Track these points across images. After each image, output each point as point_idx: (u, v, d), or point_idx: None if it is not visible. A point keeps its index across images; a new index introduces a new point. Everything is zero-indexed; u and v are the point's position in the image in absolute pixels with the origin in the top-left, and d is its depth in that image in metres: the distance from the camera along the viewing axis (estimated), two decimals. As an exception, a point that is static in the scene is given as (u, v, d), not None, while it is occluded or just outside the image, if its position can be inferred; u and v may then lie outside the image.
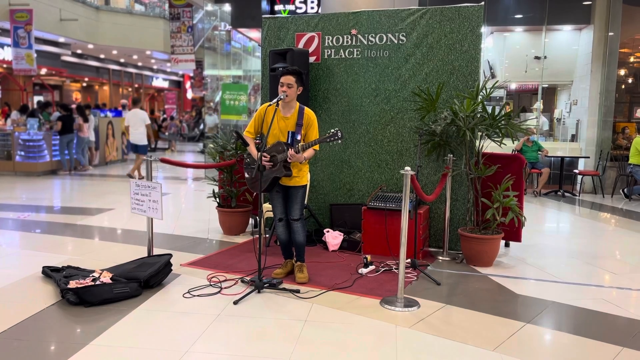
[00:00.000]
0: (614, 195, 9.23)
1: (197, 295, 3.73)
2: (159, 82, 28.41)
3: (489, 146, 4.94)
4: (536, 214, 7.36)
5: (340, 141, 3.82)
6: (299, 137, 3.93)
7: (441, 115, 4.80)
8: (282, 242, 4.21)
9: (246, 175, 4.15)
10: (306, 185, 4.11)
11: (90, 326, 3.17)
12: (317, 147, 3.89)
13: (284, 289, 3.86)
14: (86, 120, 11.36)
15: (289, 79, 3.88)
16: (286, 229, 4.15)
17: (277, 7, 10.96)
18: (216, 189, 6.00)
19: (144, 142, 9.85)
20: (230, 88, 11.19)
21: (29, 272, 4.20)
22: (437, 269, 4.56)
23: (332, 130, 3.79)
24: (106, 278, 3.74)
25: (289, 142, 3.93)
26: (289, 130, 3.95)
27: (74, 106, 12.15)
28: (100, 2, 17.87)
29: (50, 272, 4.03)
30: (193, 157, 15.66)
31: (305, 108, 4.00)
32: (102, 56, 20.98)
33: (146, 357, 2.78)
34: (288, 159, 3.81)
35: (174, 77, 29.66)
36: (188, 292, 3.80)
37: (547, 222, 6.94)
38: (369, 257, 4.48)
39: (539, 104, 10.47)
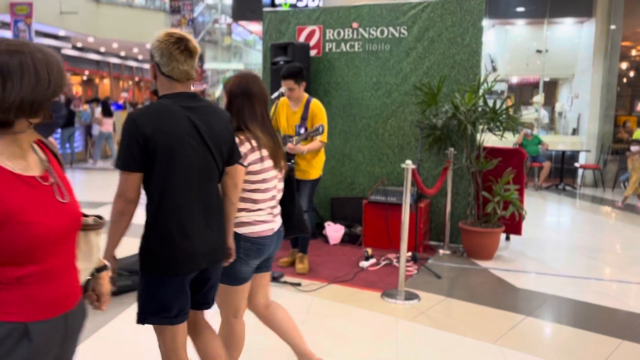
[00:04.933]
0: (615, 189, 9.22)
1: (199, 289, 3.75)
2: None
3: (490, 140, 4.95)
4: (537, 207, 7.37)
5: (320, 135, 3.72)
6: (302, 131, 3.94)
7: (442, 109, 4.80)
8: None
9: None
10: (316, 179, 4.11)
11: (92, 318, 3.18)
12: (324, 139, 3.89)
13: (285, 282, 3.88)
14: (110, 114, 11.26)
15: (288, 84, 3.87)
16: None
17: (278, 1, 10.92)
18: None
19: None
20: (231, 81, 11.15)
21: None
22: (437, 262, 4.57)
23: (316, 126, 3.77)
24: (108, 271, 3.76)
25: (296, 135, 3.96)
26: (296, 124, 3.97)
27: (75, 100, 12.09)
28: (100, -5, 17.78)
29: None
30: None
31: (312, 100, 3.99)
32: (102, 49, 20.92)
33: (148, 350, 2.80)
34: (287, 150, 3.81)
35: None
36: (190, 285, 3.82)
37: (547, 216, 6.94)
38: (369, 250, 4.50)
39: (538, 97, 10.44)
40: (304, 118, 3.94)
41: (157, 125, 1.71)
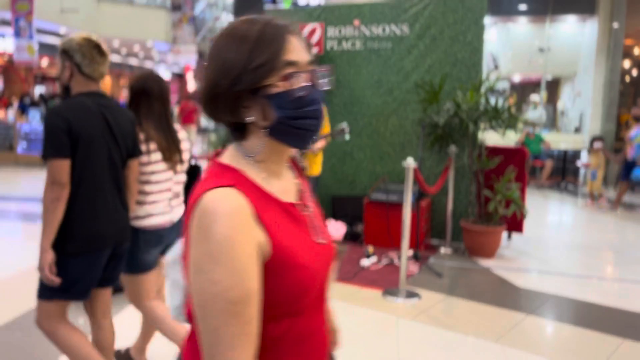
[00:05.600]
0: (617, 187, 9.20)
1: (200, 287, 3.75)
2: (161, 73, 28.32)
3: (491, 138, 4.93)
4: (539, 206, 7.35)
5: (348, 136, 3.84)
6: None
7: (444, 107, 4.78)
8: None
9: None
10: (318, 176, 4.16)
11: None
12: (327, 137, 3.94)
13: (286, 281, 3.88)
14: None
15: None
16: None
17: (279, -2, 10.88)
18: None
19: None
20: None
21: (31, 264, 4.21)
22: (439, 261, 4.56)
23: (341, 126, 3.81)
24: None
25: None
26: None
27: None
28: (102, -7, 17.74)
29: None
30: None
31: None
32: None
33: (148, 349, 2.79)
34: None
35: (176, 69, 29.54)
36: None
37: (549, 214, 6.93)
38: (371, 248, 4.49)
39: (536, 96, 10.41)
40: None
41: (78, 119, 1.94)
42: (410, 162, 3.61)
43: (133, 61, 24.56)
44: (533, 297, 3.74)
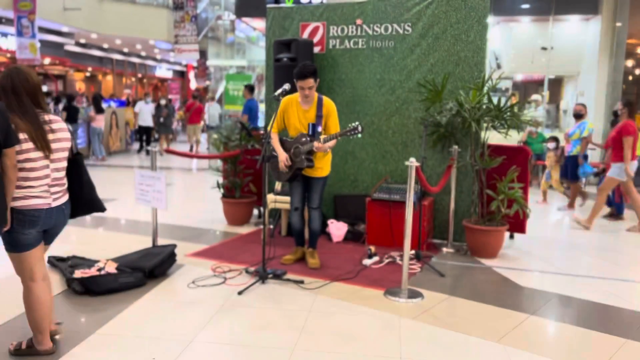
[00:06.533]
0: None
1: (202, 286, 3.75)
2: (163, 71, 28.33)
3: (494, 138, 4.92)
4: (541, 205, 7.33)
5: (360, 135, 3.81)
6: (320, 129, 3.95)
7: (446, 107, 4.77)
8: (296, 231, 4.29)
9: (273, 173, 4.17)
10: (327, 176, 4.14)
11: (95, 315, 3.19)
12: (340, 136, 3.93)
13: (288, 280, 3.87)
14: (101, 111, 11.29)
15: (309, 82, 3.85)
16: (300, 218, 4.22)
17: (282, -3, 10.86)
18: (220, 180, 6.00)
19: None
20: (234, 78, 11.17)
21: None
22: (441, 260, 4.56)
23: (353, 124, 3.77)
24: (111, 268, 3.75)
25: (311, 133, 3.95)
26: (310, 123, 3.97)
27: (77, 97, 12.09)
28: (104, -9, 17.71)
29: (55, 262, 4.05)
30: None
31: (324, 98, 4.01)
32: (105, 46, 20.91)
33: (151, 346, 2.80)
34: (315, 149, 3.82)
35: (178, 67, 29.56)
36: (193, 282, 3.81)
37: (552, 214, 6.91)
38: (373, 248, 4.48)
39: (537, 96, 10.38)
40: (319, 116, 3.95)
41: None
42: (412, 161, 3.61)
43: (135, 60, 24.55)
44: (535, 297, 3.73)
